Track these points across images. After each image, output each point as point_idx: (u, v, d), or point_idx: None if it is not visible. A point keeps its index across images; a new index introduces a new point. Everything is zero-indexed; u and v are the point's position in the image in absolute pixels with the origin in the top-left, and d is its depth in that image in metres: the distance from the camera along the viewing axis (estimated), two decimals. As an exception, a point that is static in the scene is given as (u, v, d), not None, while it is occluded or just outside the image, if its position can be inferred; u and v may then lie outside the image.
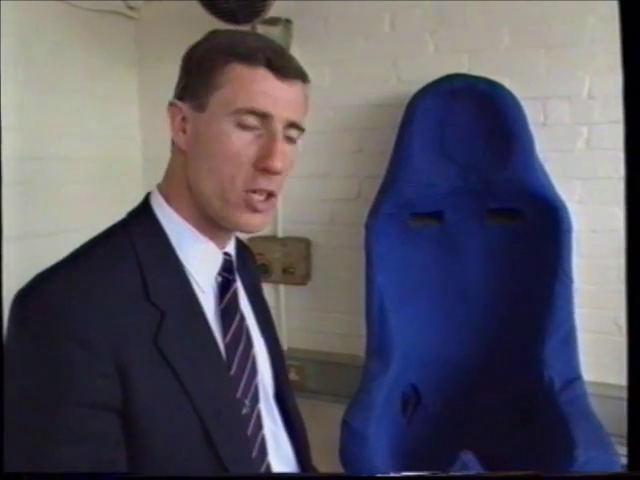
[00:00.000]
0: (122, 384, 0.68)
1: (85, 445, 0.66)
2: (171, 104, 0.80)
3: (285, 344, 2.09)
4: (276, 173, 0.76)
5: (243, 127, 0.75)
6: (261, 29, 1.79)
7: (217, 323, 0.82)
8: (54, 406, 0.65)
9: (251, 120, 0.75)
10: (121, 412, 0.68)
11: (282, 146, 0.76)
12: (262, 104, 0.74)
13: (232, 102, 0.74)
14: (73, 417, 0.65)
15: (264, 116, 0.75)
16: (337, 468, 1.48)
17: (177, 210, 0.81)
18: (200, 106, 0.77)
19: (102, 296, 0.69)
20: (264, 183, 0.76)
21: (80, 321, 0.67)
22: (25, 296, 0.70)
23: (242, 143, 0.75)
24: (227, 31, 0.83)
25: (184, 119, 0.79)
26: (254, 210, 0.77)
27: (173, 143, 0.82)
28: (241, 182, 0.76)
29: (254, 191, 0.76)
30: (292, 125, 0.78)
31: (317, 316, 2.08)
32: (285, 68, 0.76)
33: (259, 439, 0.84)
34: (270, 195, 0.78)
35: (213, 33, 0.82)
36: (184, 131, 0.79)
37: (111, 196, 2.02)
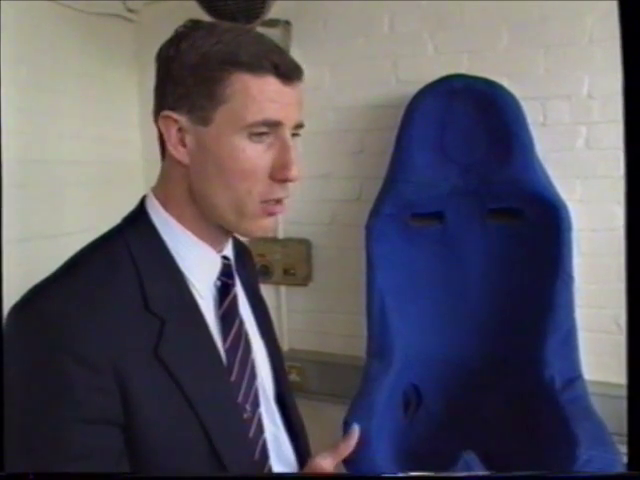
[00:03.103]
0: (122, 398, 0.67)
1: (86, 462, 0.65)
2: (165, 116, 0.75)
3: (286, 345, 2.10)
4: (294, 181, 0.75)
5: (255, 139, 0.73)
6: (260, 31, 1.79)
7: (217, 328, 0.81)
8: (53, 423, 0.64)
9: (263, 131, 0.73)
10: (123, 426, 0.68)
11: (295, 153, 0.75)
12: (274, 114, 0.73)
13: (243, 116, 0.72)
14: (73, 434, 0.65)
15: (275, 125, 0.73)
16: (339, 469, 1.48)
17: (175, 216, 0.79)
18: (203, 120, 0.73)
19: (100, 308, 0.68)
20: (281, 192, 0.76)
21: (78, 336, 0.65)
22: (21, 310, 0.68)
23: (256, 155, 0.73)
24: (212, 27, 0.75)
25: (180, 130, 0.75)
26: (270, 215, 0.77)
27: (164, 150, 0.79)
28: (258, 194, 0.75)
29: (270, 200, 0.76)
30: (297, 125, 0.78)
31: (318, 317, 2.08)
32: (290, 71, 0.74)
33: (260, 443, 0.84)
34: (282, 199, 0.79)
35: (195, 28, 0.75)
36: (183, 144, 0.75)
37: (112, 198, 2.03)
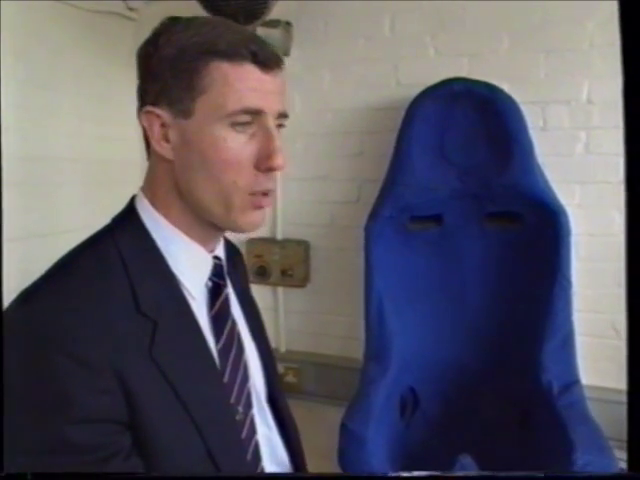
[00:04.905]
0: (125, 397, 0.67)
1: (93, 457, 0.65)
2: (147, 112, 0.75)
3: (283, 346, 2.10)
4: (279, 170, 0.74)
5: (237, 129, 0.72)
6: (261, 31, 1.79)
7: (209, 329, 0.80)
8: (57, 425, 0.63)
9: (245, 120, 0.72)
10: (128, 424, 0.67)
11: (280, 142, 0.74)
12: (254, 102, 0.72)
13: (223, 105, 0.71)
14: (77, 434, 0.64)
15: (257, 113, 0.72)
16: (336, 471, 1.48)
17: (164, 214, 0.78)
18: (184, 112, 0.72)
19: (93, 310, 0.67)
20: (268, 183, 0.75)
21: (75, 338, 0.64)
22: (14, 314, 0.67)
23: (239, 145, 0.72)
24: (190, 21, 0.75)
25: (164, 126, 0.74)
26: (259, 208, 0.76)
27: (149, 148, 0.79)
28: (244, 185, 0.73)
29: (257, 192, 0.75)
30: (281, 115, 0.76)
31: (316, 319, 2.08)
32: (269, 60, 0.73)
33: (253, 444, 0.84)
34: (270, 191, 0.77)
35: (172, 24, 0.76)
36: (166, 140, 0.75)
37: (109, 197, 2.00)
